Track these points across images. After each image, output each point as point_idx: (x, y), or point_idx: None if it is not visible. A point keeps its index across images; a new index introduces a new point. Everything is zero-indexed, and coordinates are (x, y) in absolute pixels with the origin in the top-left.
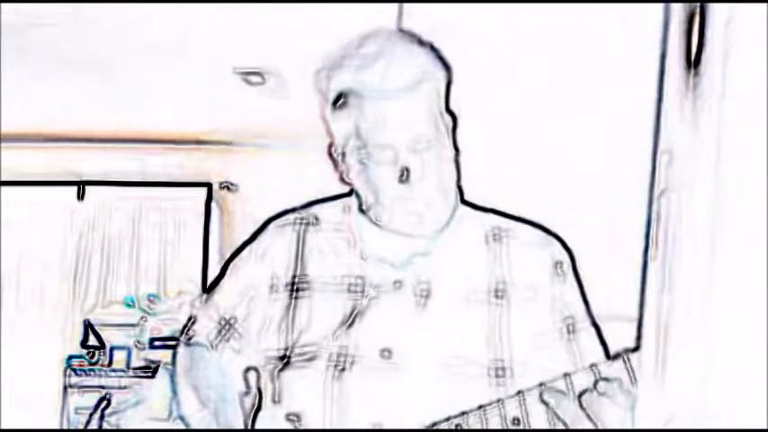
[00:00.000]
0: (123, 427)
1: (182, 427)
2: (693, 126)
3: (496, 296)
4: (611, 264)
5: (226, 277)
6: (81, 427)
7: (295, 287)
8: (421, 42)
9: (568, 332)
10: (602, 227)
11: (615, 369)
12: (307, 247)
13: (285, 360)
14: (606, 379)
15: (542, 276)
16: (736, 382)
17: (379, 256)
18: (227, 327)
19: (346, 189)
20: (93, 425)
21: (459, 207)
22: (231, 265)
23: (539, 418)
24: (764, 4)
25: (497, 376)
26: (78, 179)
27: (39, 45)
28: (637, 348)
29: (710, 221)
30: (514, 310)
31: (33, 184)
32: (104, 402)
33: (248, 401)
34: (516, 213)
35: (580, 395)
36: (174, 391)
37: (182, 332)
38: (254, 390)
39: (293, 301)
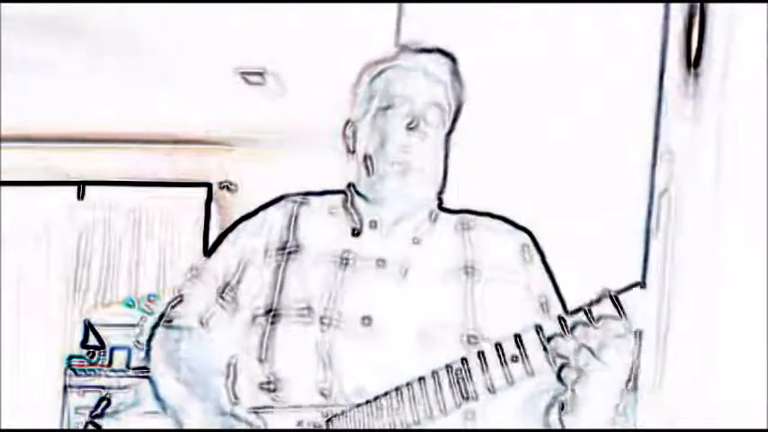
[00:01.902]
0: (123, 427)
1: (173, 424)
2: (693, 126)
3: (466, 273)
4: (611, 263)
5: (222, 247)
6: (81, 427)
7: (286, 251)
8: (455, 73)
9: (543, 310)
10: (602, 227)
11: (604, 308)
12: (300, 218)
13: (271, 314)
14: (599, 317)
15: (510, 258)
16: (736, 382)
17: (374, 226)
18: (223, 294)
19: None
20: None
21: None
22: (226, 238)
23: (537, 355)
24: (764, 4)
25: (470, 343)
26: (78, 179)
27: (39, 46)
28: (624, 290)
29: (710, 221)
30: (485, 284)
31: (33, 184)
32: (104, 402)
33: (230, 384)
34: (515, 213)
35: (572, 329)
36: (152, 374)
37: (162, 313)
38: (233, 371)
39: (284, 264)
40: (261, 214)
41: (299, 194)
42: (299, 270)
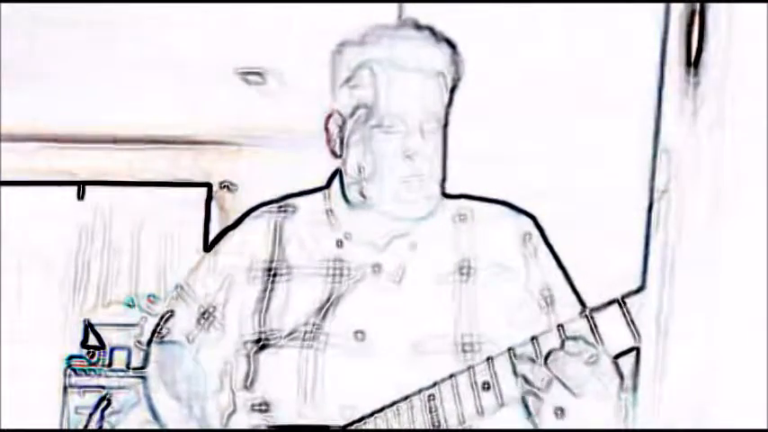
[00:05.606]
0: (123, 427)
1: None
2: (693, 126)
3: (461, 274)
4: (611, 264)
5: (204, 266)
6: (81, 427)
7: (272, 272)
8: (450, 42)
9: (546, 305)
10: (602, 227)
11: (580, 327)
12: (284, 234)
13: (260, 343)
14: (573, 338)
15: (510, 250)
16: (736, 381)
17: (359, 238)
18: (206, 316)
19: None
20: (93, 425)
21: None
22: (209, 254)
23: (508, 382)
24: (764, 4)
25: (464, 351)
26: (78, 179)
27: (39, 45)
28: (599, 308)
29: (710, 221)
30: (481, 286)
31: (33, 184)
32: (104, 402)
33: (223, 399)
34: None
35: (547, 356)
36: (147, 390)
37: (155, 329)
38: (227, 387)
39: (270, 285)
40: (242, 229)
41: (280, 199)
42: (286, 293)
